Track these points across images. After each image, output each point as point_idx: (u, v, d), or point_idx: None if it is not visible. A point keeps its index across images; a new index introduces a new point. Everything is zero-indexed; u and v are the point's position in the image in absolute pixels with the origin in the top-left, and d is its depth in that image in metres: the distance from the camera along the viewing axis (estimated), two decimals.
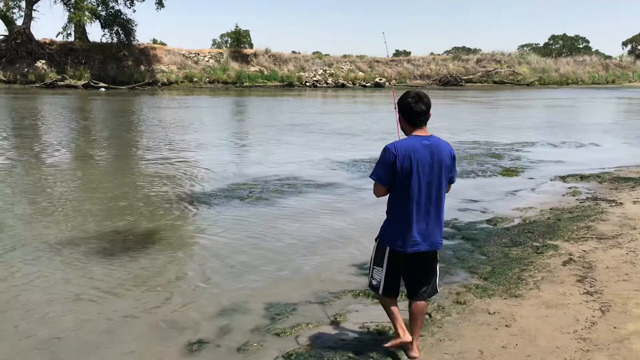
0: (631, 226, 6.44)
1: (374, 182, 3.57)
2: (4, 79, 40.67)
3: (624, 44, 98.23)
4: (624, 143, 15.62)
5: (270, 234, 6.67)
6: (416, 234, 3.44)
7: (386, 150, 3.43)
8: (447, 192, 3.61)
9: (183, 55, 50.32)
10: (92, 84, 40.99)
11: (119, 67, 44.73)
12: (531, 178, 10.17)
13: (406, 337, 3.59)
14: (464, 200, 8.39)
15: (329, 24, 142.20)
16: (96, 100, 31.12)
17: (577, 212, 7.34)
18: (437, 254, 3.67)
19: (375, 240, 3.73)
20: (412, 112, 3.45)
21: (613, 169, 11.04)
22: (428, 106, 3.46)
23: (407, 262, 3.57)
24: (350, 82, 52.37)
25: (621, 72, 67.75)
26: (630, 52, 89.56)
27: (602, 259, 5.37)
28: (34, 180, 9.89)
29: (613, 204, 7.72)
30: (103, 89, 40.43)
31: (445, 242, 6.24)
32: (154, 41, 59.86)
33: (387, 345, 3.68)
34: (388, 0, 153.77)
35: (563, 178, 10.04)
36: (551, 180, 10.00)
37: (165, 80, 45.88)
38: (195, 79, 47.50)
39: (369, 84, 52.42)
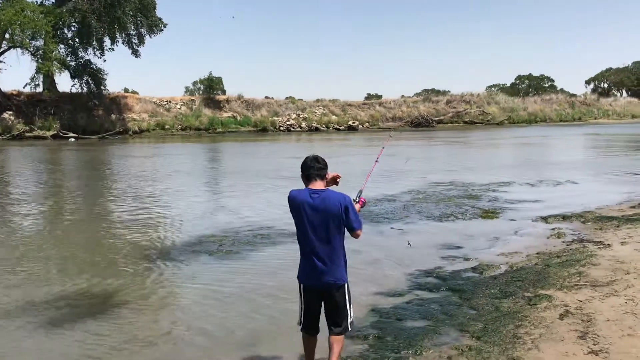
0: (624, 270, 6.08)
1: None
2: None
3: (587, 82, 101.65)
4: (599, 180, 15.55)
5: (241, 293, 6.14)
6: (307, 268, 3.99)
7: (289, 195, 4.08)
8: (356, 237, 4.05)
9: (155, 103, 50.02)
10: (61, 134, 40.18)
11: (89, 117, 44.11)
12: (512, 220, 9.85)
13: None
14: (446, 246, 8.01)
15: (302, 69, 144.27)
16: (64, 151, 30.35)
17: (565, 256, 6.97)
18: (339, 290, 3.97)
19: None
20: (304, 167, 4.10)
21: (594, 207, 10.80)
22: (322, 165, 4.10)
23: (317, 296, 4.01)
24: (323, 126, 52.56)
25: (586, 110, 69.63)
26: (593, 90, 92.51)
27: (601, 309, 4.97)
28: None
29: (601, 246, 7.40)
30: (72, 139, 39.65)
31: (431, 294, 5.82)
32: (126, 90, 59.50)
33: None
34: (358, 45, 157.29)
35: (545, 219, 9.74)
36: (533, 221, 9.69)
37: (137, 128, 45.37)
38: (167, 127, 47.08)
39: (342, 127, 52.67)
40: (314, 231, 3.93)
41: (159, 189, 14.77)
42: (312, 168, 4.05)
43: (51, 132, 40.11)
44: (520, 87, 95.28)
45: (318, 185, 4.04)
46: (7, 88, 43.63)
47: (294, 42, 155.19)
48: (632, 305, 5.00)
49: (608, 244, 7.45)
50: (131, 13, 45.16)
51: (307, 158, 4.12)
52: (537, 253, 7.33)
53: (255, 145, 34.25)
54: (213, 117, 49.65)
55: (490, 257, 7.34)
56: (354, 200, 4.24)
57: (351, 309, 4.02)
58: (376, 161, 5.23)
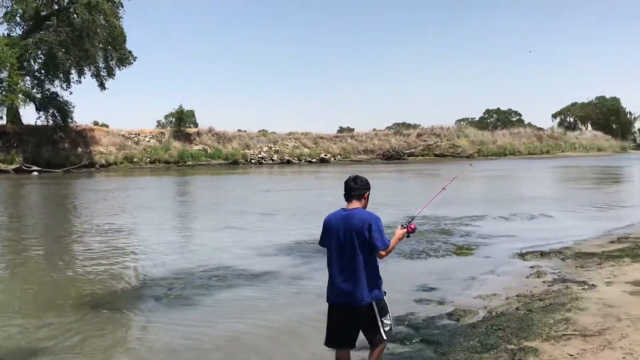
0: (615, 316, 5.49)
1: None
2: None
3: (554, 116, 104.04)
4: (574, 213, 15.20)
5: (186, 347, 5.35)
6: (338, 289, 4.10)
7: (324, 219, 4.31)
8: (379, 258, 4.14)
9: (123, 136, 48.96)
10: (24, 167, 38.74)
11: (54, 150, 42.83)
12: (488, 257, 9.26)
13: None
14: (419, 287, 7.33)
15: (275, 103, 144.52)
16: (26, 186, 29.04)
17: (548, 299, 6.36)
18: (371, 307, 4.06)
19: None
20: (346, 188, 4.30)
21: (571, 242, 10.32)
22: (359, 185, 4.26)
23: (348, 313, 4.10)
24: (295, 158, 52.14)
25: (554, 143, 70.83)
26: (560, 124, 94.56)
27: None
28: None
29: (585, 287, 6.81)
30: (36, 173, 38.27)
31: (401, 348, 5.13)
32: (96, 123, 58.25)
33: None
34: (330, 79, 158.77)
35: (522, 256, 9.17)
36: (510, 258, 9.11)
37: (104, 161, 44.21)
38: (135, 160, 46.01)
39: (314, 160, 52.30)
40: (340, 249, 4.09)
41: (116, 225, 13.84)
42: (351, 189, 4.26)
43: (14, 166, 38.69)
44: (488, 120, 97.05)
45: (354, 204, 4.23)
46: None
47: (267, 76, 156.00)
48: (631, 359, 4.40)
49: (593, 285, 6.88)
50: (100, 46, 44.42)
51: (348, 178, 4.31)
52: (518, 295, 6.70)
53: (224, 179, 33.40)
54: (183, 149, 48.82)
55: (466, 300, 6.69)
56: (402, 226, 4.43)
57: (385, 319, 4.12)
58: (443, 189, 5.58)
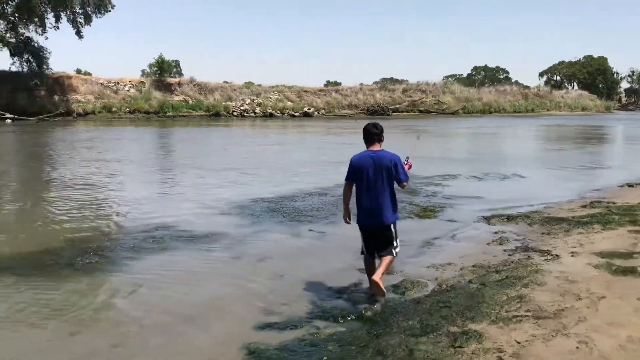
0: (575, 294, 4.89)
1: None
2: None
3: (541, 74, 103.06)
4: (548, 174, 14.65)
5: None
6: (368, 214, 5.15)
7: (350, 160, 5.28)
8: (402, 188, 5.33)
9: (101, 84, 47.36)
10: None
11: (30, 97, 41.29)
12: (451, 220, 8.61)
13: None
14: None
15: (263, 57, 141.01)
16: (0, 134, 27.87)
17: (505, 271, 5.75)
18: (390, 227, 5.17)
19: None
20: (367, 133, 5.25)
21: (542, 206, 9.74)
22: (380, 130, 5.25)
23: (374, 232, 5.22)
24: (278, 112, 50.95)
25: (540, 102, 69.94)
26: (546, 83, 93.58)
27: (544, 357, 3.76)
28: None
29: (548, 257, 6.22)
30: (9, 120, 36.93)
31: (333, 327, 4.60)
32: (79, 71, 56.20)
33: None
34: (321, 33, 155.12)
35: (488, 219, 8.57)
36: (474, 222, 8.50)
37: (81, 110, 42.75)
38: (114, 109, 44.61)
39: (297, 114, 51.18)
40: (370, 183, 5.07)
41: (68, 176, 13.04)
42: (373, 133, 5.20)
43: None
44: (476, 77, 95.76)
45: (376, 147, 5.21)
46: None
47: (258, 29, 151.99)
48: (586, 352, 3.80)
49: (556, 255, 6.29)
50: None
51: (368, 124, 5.26)
52: (474, 266, 6.09)
53: (203, 131, 32.39)
54: (164, 100, 47.33)
55: (417, 269, 6.08)
56: (406, 162, 5.47)
57: (397, 242, 5.23)
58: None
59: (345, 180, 5.27)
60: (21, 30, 42.98)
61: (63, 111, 41.14)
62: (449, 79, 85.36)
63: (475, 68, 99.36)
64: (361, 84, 63.09)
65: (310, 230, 7.89)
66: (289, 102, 53.30)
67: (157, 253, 6.71)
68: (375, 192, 5.06)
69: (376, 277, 4.94)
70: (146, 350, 4.25)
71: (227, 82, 55.00)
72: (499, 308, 4.67)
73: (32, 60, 42.82)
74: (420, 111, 56.74)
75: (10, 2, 41.50)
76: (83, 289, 5.51)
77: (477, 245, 7.10)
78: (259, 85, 57.24)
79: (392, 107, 55.64)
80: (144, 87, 48.54)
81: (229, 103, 50.47)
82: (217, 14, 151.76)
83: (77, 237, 7.43)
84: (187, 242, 7.21)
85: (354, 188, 5.24)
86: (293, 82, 57.82)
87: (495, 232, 7.74)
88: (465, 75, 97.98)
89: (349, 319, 4.73)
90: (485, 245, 7.08)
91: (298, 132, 32.44)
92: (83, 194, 10.86)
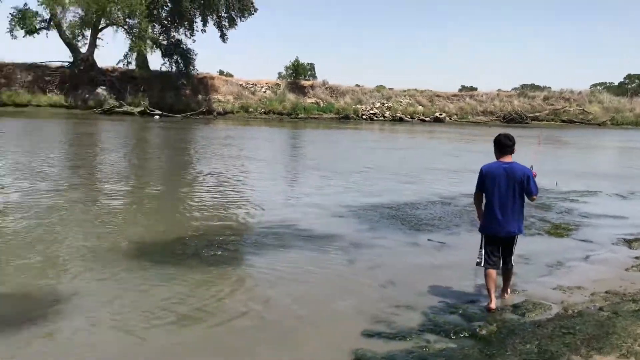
0: None
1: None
2: (66, 104, 41.65)
3: None
4: None
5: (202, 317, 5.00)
6: (497, 223, 5.23)
7: (480, 170, 5.40)
8: (532, 200, 5.41)
9: (241, 85, 50.29)
10: (148, 111, 41.13)
11: (176, 96, 45.00)
12: (586, 240, 7.95)
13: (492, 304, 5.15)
14: None
15: (396, 60, 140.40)
16: (148, 129, 30.67)
17: None
18: (515, 238, 5.31)
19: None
20: (500, 145, 5.33)
21: None
22: (512, 142, 5.31)
23: (498, 242, 5.31)
24: (408, 116, 50.50)
25: None
26: None
27: None
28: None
29: None
30: (157, 117, 40.46)
31: (444, 342, 4.46)
32: (221, 72, 60.12)
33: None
34: (457, 38, 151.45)
35: (629, 242, 7.79)
36: (613, 244, 7.78)
37: (221, 109, 45.74)
38: (250, 109, 47.15)
39: (427, 119, 50.36)
40: (502, 194, 5.18)
41: (205, 170, 14.00)
42: (506, 145, 5.28)
43: (139, 109, 41.16)
44: (629, 86, 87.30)
45: (507, 158, 5.30)
46: (103, 64, 45.28)
47: (393, 32, 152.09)
48: None
49: None
50: None
51: (500, 135, 5.36)
52: (607, 292, 5.58)
53: (334, 134, 33.04)
54: (297, 102, 49.11)
55: (542, 290, 5.69)
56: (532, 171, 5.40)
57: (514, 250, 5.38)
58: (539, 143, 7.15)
59: (476, 189, 5.43)
60: (172, 33, 47.00)
61: (205, 110, 44.20)
62: (597, 87, 78.78)
63: (629, 76, 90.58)
64: (499, 89, 60.47)
65: (429, 239, 7.70)
66: (420, 107, 52.62)
67: (277, 250, 6.97)
68: (507, 203, 5.15)
69: (504, 293, 5.42)
70: (260, 344, 4.42)
71: (359, 86, 55.66)
72: (632, 341, 4.22)
73: (180, 61, 46.53)
74: (563, 121, 52.99)
75: (164, 7, 45.53)
76: (209, 280, 5.86)
77: (613, 270, 6.49)
78: (390, 89, 57.16)
79: (532, 115, 52.62)
80: (279, 89, 50.73)
81: (359, 106, 51.03)
82: (355, 18, 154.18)
83: (203, 229, 7.91)
84: (306, 241, 7.40)
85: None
86: (426, 87, 57.01)
87: (637, 257, 7.02)
88: (616, 83, 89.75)
89: (462, 335, 4.56)
90: (623, 271, 6.45)
91: (427, 138, 31.91)
92: (215, 188, 11.59)
